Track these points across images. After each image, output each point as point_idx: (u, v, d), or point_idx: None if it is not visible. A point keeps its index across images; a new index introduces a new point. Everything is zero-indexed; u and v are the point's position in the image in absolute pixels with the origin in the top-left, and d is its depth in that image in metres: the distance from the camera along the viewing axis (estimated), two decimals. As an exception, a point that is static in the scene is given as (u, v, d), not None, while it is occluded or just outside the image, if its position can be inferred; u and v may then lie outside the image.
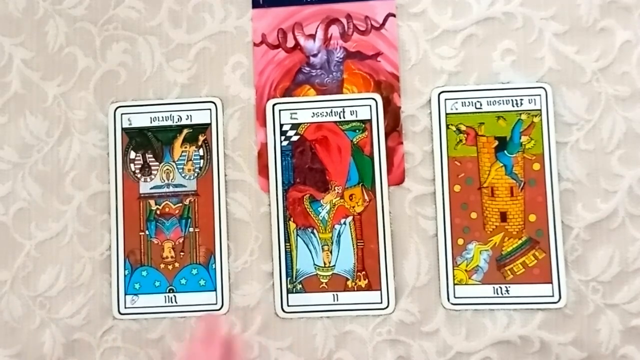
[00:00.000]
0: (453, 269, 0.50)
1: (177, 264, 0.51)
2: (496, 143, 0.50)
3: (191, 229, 0.51)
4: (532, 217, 0.50)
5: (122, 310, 0.51)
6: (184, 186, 0.52)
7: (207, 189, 0.51)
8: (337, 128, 0.51)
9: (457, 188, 0.50)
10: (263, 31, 0.52)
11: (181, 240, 0.51)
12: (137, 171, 0.52)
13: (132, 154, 0.52)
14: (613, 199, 0.50)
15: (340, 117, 0.51)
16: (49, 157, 0.53)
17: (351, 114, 0.51)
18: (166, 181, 0.52)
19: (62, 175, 0.52)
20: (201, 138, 0.52)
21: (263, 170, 0.52)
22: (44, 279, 0.52)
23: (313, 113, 0.51)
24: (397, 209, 0.51)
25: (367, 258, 0.50)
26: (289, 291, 0.50)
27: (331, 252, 0.50)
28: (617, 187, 0.50)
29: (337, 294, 0.50)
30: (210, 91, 0.52)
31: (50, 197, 0.52)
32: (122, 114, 0.52)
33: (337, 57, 0.52)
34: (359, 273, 0.50)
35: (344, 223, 0.51)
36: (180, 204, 0.51)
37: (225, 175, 0.52)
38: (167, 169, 0.52)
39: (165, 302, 0.51)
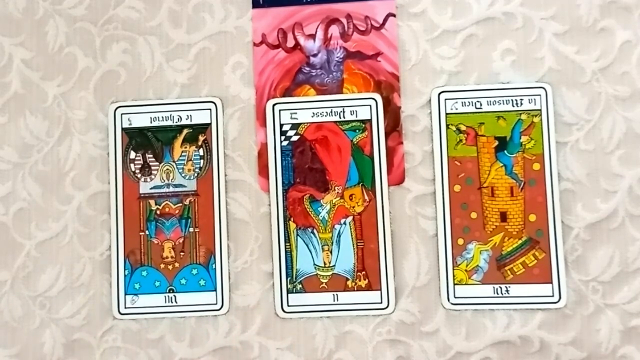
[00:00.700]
0: (453, 269, 0.50)
1: (177, 264, 0.51)
2: (496, 143, 0.50)
3: (191, 229, 0.51)
4: (532, 217, 0.50)
5: (122, 310, 0.51)
6: (184, 186, 0.52)
7: (207, 189, 0.51)
8: (337, 128, 0.51)
9: (457, 188, 0.50)
10: (263, 31, 0.52)
11: (181, 240, 0.51)
12: (137, 171, 0.52)
13: (132, 154, 0.52)
14: (613, 199, 0.50)
15: (340, 117, 0.51)
16: (49, 157, 0.53)
17: (351, 114, 0.51)
18: (166, 181, 0.52)
19: (62, 175, 0.52)
20: (201, 138, 0.52)
21: (263, 170, 0.52)
22: (44, 279, 0.52)
23: (313, 113, 0.51)
24: (397, 209, 0.51)
25: (367, 258, 0.50)
26: (289, 291, 0.50)
27: (331, 252, 0.50)
28: (617, 187, 0.50)
29: (337, 294, 0.50)
30: (210, 91, 0.52)
31: (50, 197, 0.52)
32: (122, 114, 0.52)
33: (337, 57, 0.52)
34: (359, 273, 0.50)
35: (344, 223, 0.51)
36: (180, 204, 0.51)
37: (225, 175, 0.52)
38: (167, 169, 0.52)
39: (165, 302, 0.51)
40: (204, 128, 0.52)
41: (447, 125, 0.51)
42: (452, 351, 0.50)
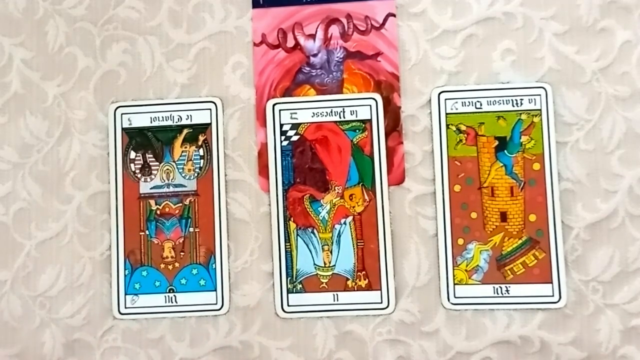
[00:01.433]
0: (453, 269, 0.50)
1: (177, 264, 0.51)
2: (496, 143, 0.50)
3: (191, 229, 0.51)
4: (532, 217, 0.50)
5: (122, 310, 0.51)
6: (184, 186, 0.52)
7: (207, 189, 0.51)
8: (337, 128, 0.51)
9: (457, 188, 0.50)
10: (263, 31, 0.52)
11: (181, 240, 0.51)
12: (137, 171, 0.52)
13: (132, 154, 0.52)
14: (613, 199, 0.50)
15: (340, 117, 0.51)
16: (49, 157, 0.53)
17: (351, 114, 0.51)
18: (166, 181, 0.52)
19: (62, 175, 0.52)
20: (201, 138, 0.52)
21: (263, 170, 0.52)
22: (44, 279, 0.52)
23: (313, 113, 0.51)
24: (397, 209, 0.51)
25: (367, 258, 0.50)
26: (289, 291, 0.50)
27: (331, 252, 0.50)
28: (617, 187, 0.50)
29: (337, 294, 0.50)
30: (210, 91, 0.52)
31: (50, 197, 0.52)
32: (122, 114, 0.52)
33: (337, 57, 0.52)
34: (359, 273, 0.50)
35: (344, 223, 0.51)
36: (181, 204, 0.51)
37: (226, 175, 0.52)
38: (167, 169, 0.52)
39: (166, 302, 0.51)
40: (204, 128, 0.52)
41: (447, 125, 0.51)
42: (452, 351, 0.50)
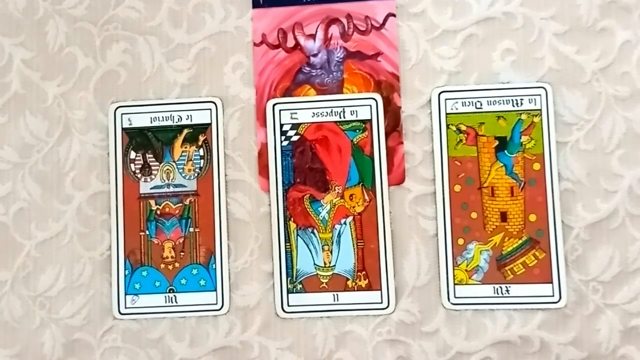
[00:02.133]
0: (453, 269, 0.50)
1: (177, 264, 0.51)
2: (496, 143, 0.50)
3: (191, 229, 0.51)
4: (532, 217, 0.50)
5: (122, 310, 0.51)
6: (184, 186, 0.52)
7: (207, 189, 0.51)
8: (337, 128, 0.51)
9: (457, 188, 0.50)
10: (263, 31, 0.52)
11: (181, 240, 0.51)
12: (137, 171, 0.52)
13: (132, 154, 0.52)
14: (613, 199, 0.50)
15: (340, 117, 0.51)
16: (49, 157, 0.53)
17: (351, 114, 0.51)
18: (166, 181, 0.52)
19: (62, 175, 0.52)
20: (201, 138, 0.52)
21: (263, 170, 0.52)
22: (44, 279, 0.52)
23: (313, 113, 0.51)
24: (397, 209, 0.51)
25: (367, 258, 0.50)
26: (289, 291, 0.50)
27: (331, 252, 0.50)
28: (617, 187, 0.50)
29: (337, 294, 0.50)
30: (211, 91, 0.52)
31: (50, 197, 0.52)
32: (122, 114, 0.52)
33: (337, 57, 0.52)
34: (359, 273, 0.50)
35: (344, 223, 0.51)
36: (181, 204, 0.51)
37: (226, 175, 0.52)
38: (168, 169, 0.52)
39: (166, 302, 0.51)
40: (204, 128, 0.52)
41: (447, 125, 0.51)
42: (452, 351, 0.50)
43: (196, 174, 0.52)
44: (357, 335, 0.50)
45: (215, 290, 0.51)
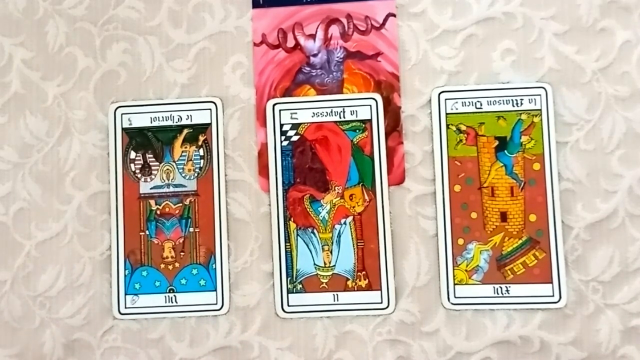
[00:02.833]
0: (453, 269, 0.50)
1: (177, 264, 0.51)
2: (496, 143, 0.50)
3: (191, 229, 0.51)
4: (532, 217, 0.50)
5: (122, 310, 0.51)
6: (184, 186, 0.52)
7: (207, 189, 0.51)
8: (337, 128, 0.51)
9: (457, 188, 0.50)
10: (263, 31, 0.52)
11: (181, 240, 0.51)
12: (137, 171, 0.52)
13: (132, 154, 0.52)
14: (613, 199, 0.50)
15: (340, 117, 0.51)
16: (49, 157, 0.53)
17: (351, 114, 0.51)
18: (166, 181, 0.52)
19: (62, 175, 0.52)
20: (201, 138, 0.52)
21: (263, 170, 0.52)
22: (44, 279, 0.52)
23: (313, 113, 0.51)
24: (397, 209, 0.51)
25: (367, 258, 0.50)
26: (289, 291, 0.50)
27: (331, 252, 0.50)
28: (617, 187, 0.50)
29: (337, 294, 0.50)
30: (210, 91, 0.52)
31: (50, 197, 0.52)
32: (122, 114, 0.52)
33: (337, 57, 0.52)
34: (359, 273, 0.50)
35: (344, 223, 0.51)
36: (181, 204, 0.51)
37: (226, 175, 0.52)
38: (167, 169, 0.52)
39: (166, 302, 0.51)
40: (204, 128, 0.52)
41: (447, 125, 0.51)
42: (452, 351, 0.50)
43: (196, 174, 0.52)
44: (357, 335, 0.50)
45: (215, 290, 0.51)
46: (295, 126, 0.51)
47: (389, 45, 0.52)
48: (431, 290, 0.50)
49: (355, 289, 0.50)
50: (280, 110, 0.51)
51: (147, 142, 0.52)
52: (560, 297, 0.49)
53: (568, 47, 0.51)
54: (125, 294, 0.51)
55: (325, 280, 0.50)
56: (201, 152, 0.52)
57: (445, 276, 0.50)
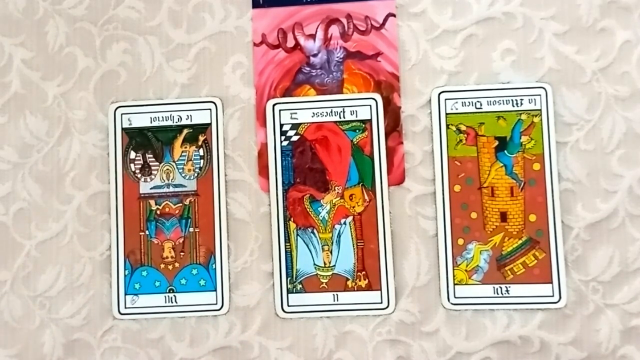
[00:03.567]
0: (453, 269, 0.50)
1: (177, 264, 0.51)
2: (496, 143, 0.50)
3: (191, 229, 0.51)
4: (532, 217, 0.50)
5: (122, 310, 0.51)
6: (184, 186, 0.52)
7: (207, 189, 0.51)
8: (337, 128, 0.51)
9: (457, 188, 0.50)
10: (263, 31, 0.52)
11: (181, 240, 0.51)
12: (137, 171, 0.52)
13: (132, 154, 0.52)
14: (613, 199, 0.50)
15: (340, 117, 0.51)
16: (49, 157, 0.53)
17: (351, 114, 0.51)
18: (166, 181, 0.52)
19: (62, 175, 0.52)
20: (201, 138, 0.52)
21: (263, 170, 0.52)
22: (44, 279, 0.52)
23: (313, 113, 0.51)
24: (397, 209, 0.51)
25: (367, 258, 0.50)
26: (289, 291, 0.50)
27: (331, 252, 0.50)
28: (617, 187, 0.50)
29: (337, 294, 0.50)
30: (210, 91, 0.52)
31: (50, 197, 0.52)
32: (122, 114, 0.52)
33: (337, 57, 0.52)
34: (359, 273, 0.50)
35: (344, 223, 0.51)
36: (180, 204, 0.51)
37: (225, 175, 0.52)
38: (167, 169, 0.52)
39: (166, 302, 0.51)
40: (204, 128, 0.52)
41: (447, 125, 0.51)
42: (452, 351, 0.50)
43: (196, 174, 0.52)
44: (357, 335, 0.50)
45: (215, 290, 0.51)
46: (295, 126, 0.51)
47: (389, 45, 0.52)
48: (431, 290, 0.50)
49: (355, 289, 0.50)
50: (280, 110, 0.51)
51: (147, 142, 0.52)
52: (560, 297, 0.49)
53: (568, 47, 0.51)
54: (125, 294, 0.51)
55: (325, 280, 0.50)
56: (201, 152, 0.52)
57: (445, 276, 0.50)
